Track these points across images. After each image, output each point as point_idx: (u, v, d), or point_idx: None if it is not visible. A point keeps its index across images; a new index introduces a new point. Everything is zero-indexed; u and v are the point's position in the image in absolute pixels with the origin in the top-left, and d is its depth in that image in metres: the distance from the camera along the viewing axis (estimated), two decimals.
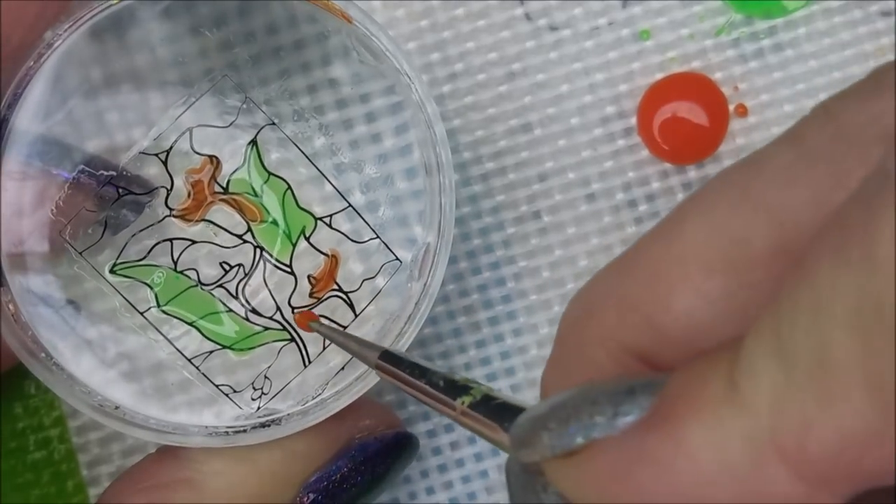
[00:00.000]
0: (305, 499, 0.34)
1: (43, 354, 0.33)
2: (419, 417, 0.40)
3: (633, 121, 0.40)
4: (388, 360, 0.31)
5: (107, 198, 0.34)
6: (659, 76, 0.40)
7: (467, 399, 0.28)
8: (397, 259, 0.35)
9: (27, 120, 0.33)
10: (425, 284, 0.34)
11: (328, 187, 0.35)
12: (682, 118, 0.39)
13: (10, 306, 0.32)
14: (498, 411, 0.27)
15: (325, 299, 0.35)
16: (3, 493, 0.39)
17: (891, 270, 0.21)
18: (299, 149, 0.34)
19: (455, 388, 0.29)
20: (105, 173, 0.34)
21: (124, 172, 0.34)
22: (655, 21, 0.40)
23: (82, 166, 0.33)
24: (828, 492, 0.22)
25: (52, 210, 0.33)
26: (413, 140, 0.35)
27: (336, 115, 0.36)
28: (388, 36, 0.33)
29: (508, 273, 0.40)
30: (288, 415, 0.34)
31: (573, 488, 0.25)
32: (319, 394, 0.34)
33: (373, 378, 0.34)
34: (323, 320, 0.35)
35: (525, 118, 0.40)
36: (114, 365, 0.34)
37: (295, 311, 0.35)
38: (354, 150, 0.35)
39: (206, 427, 0.33)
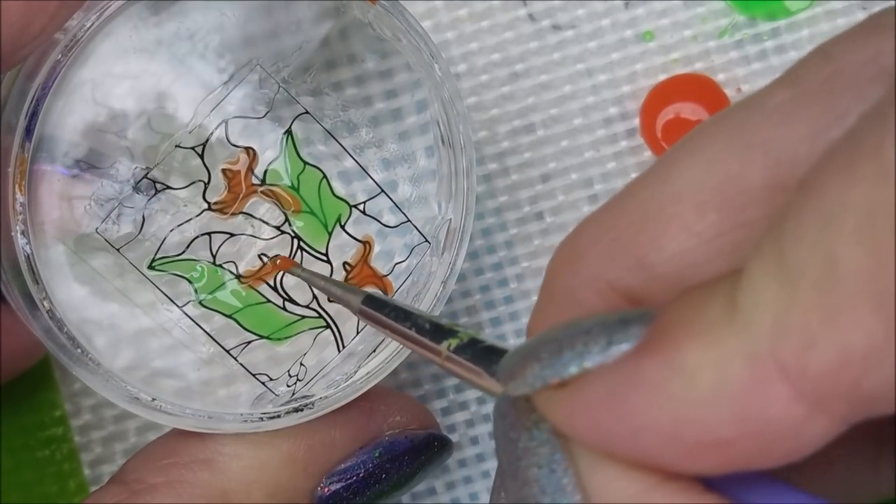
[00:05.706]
0: (327, 489, 0.34)
1: (79, 350, 0.33)
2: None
3: (636, 122, 0.40)
4: (372, 304, 0.30)
5: (144, 192, 0.34)
6: (662, 77, 0.40)
7: (454, 342, 0.27)
8: (427, 241, 0.35)
9: (60, 108, 0.33)
10: (450, 262, 0.34)
11: (357, 172, 0.35)
12: (685, 119, 0.39)
13: (45, 303, 0.32)
14: (485, 355, 0.27)
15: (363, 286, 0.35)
16: (5, 492, 0.39)
17: None
18: (337, 140, 0.34)
19: (441, 331, 0.28)
20: (140, 167, 0.33)
21: (160, 166, 0.34)
22: (659, 22, 0.40)
23: (117, 159, 0.33)
24: (825, 414, 0.22)
25: (86, 206, 0.33)
26: (433, 117, 0.35)
27: (355, 92, 0.36)
28: (411, 15, 0.33)
29: (511, 274, 0.40)
30: (321, 398, 0.34)
31: (566, 419, 0.24)
32: (351, 376, 0.34)
33: (402, 355, 0.34)
34: None
35: (528, 119, 0.40)
36: (151, 357, 0.34)
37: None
38: (377, 128, 0.35)
39: (241, 414, 0.34)
